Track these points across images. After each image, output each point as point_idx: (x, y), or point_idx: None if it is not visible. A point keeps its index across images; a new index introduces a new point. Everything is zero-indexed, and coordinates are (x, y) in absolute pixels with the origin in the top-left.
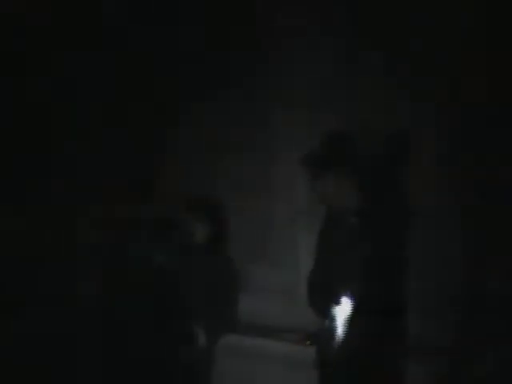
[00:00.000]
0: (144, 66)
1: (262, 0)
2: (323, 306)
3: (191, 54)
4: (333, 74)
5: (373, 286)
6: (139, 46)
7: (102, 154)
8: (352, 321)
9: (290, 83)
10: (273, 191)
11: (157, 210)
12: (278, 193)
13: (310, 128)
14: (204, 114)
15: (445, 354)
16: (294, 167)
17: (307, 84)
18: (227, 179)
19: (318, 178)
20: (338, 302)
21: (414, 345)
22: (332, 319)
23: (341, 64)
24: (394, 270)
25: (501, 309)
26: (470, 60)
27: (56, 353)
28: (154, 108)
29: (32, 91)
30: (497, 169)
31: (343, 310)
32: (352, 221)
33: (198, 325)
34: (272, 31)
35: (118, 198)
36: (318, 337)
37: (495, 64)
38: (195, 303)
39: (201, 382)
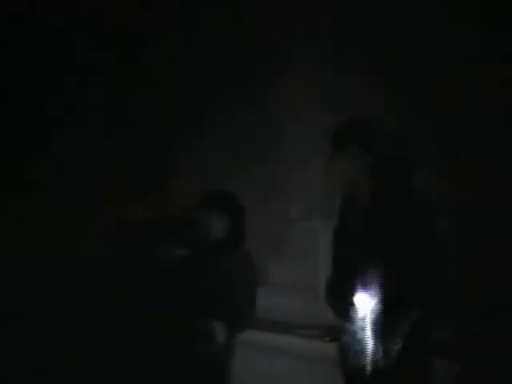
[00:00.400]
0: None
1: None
2: (343, 302)
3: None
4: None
5: (393, 278)
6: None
7: (118, 155)
8: (373, 316)
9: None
10: (289, 188)
11: (173, 209)
12: (295, 189)
13: (322, 126)
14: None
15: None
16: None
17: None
18: (243, 177)
19: (340, 155)
20: (358, 298)
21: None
22: (352, 315)
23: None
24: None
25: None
26: None
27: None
28: (168, 108)
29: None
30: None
31: (364, 305)
32: (366, 208)
33: (217, 320)
34: None
35: (132, 198)
36: (340, 333)
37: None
38: (214, 299)
39: (219, 378)
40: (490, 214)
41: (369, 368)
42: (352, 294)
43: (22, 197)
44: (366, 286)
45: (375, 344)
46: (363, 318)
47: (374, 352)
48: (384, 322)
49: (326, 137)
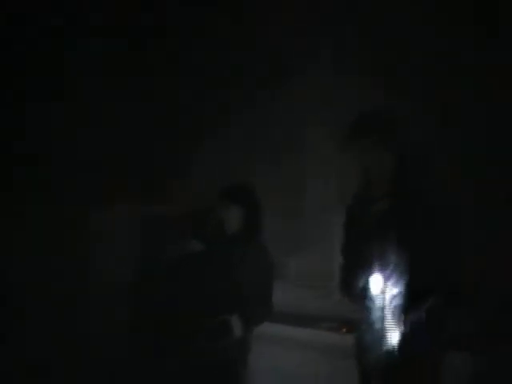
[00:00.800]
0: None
1: None
2: (357, 293)
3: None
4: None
5: (408, 268)
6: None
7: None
8: (388, 307)
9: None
10: (305, 182)
11: (189, 204)
12: (311, 183)
13: (341, 117)
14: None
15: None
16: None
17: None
18: (259, 172)
19: (363, 143)
20: (372, 289)
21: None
22: (367, 306)
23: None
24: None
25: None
26: None
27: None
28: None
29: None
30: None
31: (378, 296)
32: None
33: (233, 314)
34: None
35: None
36: (356, 325)
37: None
38: (230, 293)
39: (236, 371)
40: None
41: (384, 359)
42: (366, 286)
43: (34, 197)
44: (380, 278)
45: (390, 335)
46: (378, 310)
47: (389, 343)
48: (399, 313)
49: (350, 125)
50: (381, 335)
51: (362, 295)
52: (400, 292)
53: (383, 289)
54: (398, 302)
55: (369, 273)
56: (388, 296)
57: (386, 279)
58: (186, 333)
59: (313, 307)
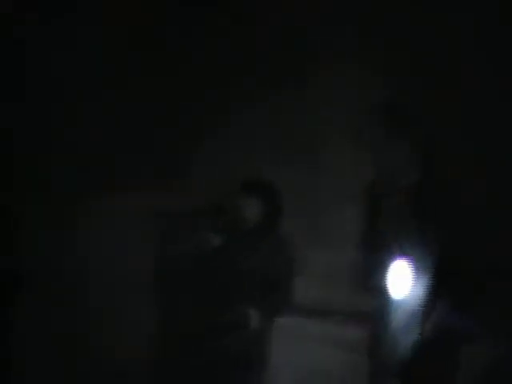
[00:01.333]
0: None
1: None
2: (376, 287)
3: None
4: None
5: (427, 264)
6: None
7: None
8: (407, 303)
9: None
10: (325, 175)
11: (209, 197)
12: (332, 176)
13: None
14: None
15: None
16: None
17: None
18: (279, 165)
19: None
20: (390, 284)
21: None
22: (385, 301)
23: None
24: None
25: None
26: None
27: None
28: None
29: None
30: None
31: (397, 291)
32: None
33: (252, 306)
34: None
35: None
36: (374, 319)
37: None
38: (249, 285)
39: (254, 364)
40: None
41: (401, 354)
42: (386, 279)
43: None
44: (400, 271)
45: (408, 330)
46: (397, 303)
47: (407, 338)
48: (417, 309)
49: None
50: (399, 329)
51: (382, 289)
52: (420, 286)
53: (404, 283)
54: (418, 296)
55: (389, 266)
56: (408, 290)
57: (407, 273)
58: (205, 326)
59: (331, 301)
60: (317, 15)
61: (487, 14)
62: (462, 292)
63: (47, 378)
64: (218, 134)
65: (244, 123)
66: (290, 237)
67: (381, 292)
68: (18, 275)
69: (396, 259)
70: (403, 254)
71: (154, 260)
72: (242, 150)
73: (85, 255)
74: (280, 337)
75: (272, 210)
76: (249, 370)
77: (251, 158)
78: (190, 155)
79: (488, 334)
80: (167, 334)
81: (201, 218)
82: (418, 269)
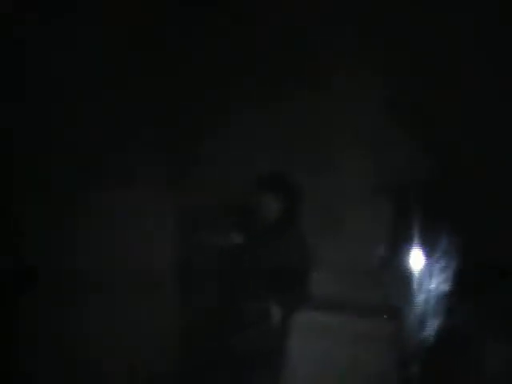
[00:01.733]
0: None
1: None
2: (401, 277)
3: None
4: None
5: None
6: None
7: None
8: (430, 294)
9: None
10: (344, 168)
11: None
12: (347, 168)
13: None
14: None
15: None
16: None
17: None
18: (295, 158)
19: None
20: (414, 275)
21: None
22: (408, 293)
23: None
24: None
25: None
26: None
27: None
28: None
29: None
30: None
31: (420, 282)
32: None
33: (272, 301)
34: None
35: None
36: (396, 311)
37: None
38: (268, 280)
39: (274, 357)
40: None
41: (425, 345)
42: (409, 272)
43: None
44: (426, 262)
45: (431, 322)
46: (423, 294)
47: (430, 330)
48: (440, 301)
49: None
50: (424, 320)
51: (406, 279)
52: (446, 277)
53: (429, 273)
54: (443, 287)
55: (414, 257)
56: (434, 280)
57: (432, 263)
58: (225, 320)
59: (352, 293)
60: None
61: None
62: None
63: (52, 377)
64: (232, 133)
65: (255, 123)
66: (308, 232)
67: (401, 283)
68: (23, 274)
69: (423, 250)
70: (431, 245)
71: (177, 259)
72: (258, 149)
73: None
74: (299, 331)
75: (290, 205)
76: (268, 364)
77: (266, 156)
78: (205, 154)
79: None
80: (189, 330)
81: (222, 216)
82: (445, 260)
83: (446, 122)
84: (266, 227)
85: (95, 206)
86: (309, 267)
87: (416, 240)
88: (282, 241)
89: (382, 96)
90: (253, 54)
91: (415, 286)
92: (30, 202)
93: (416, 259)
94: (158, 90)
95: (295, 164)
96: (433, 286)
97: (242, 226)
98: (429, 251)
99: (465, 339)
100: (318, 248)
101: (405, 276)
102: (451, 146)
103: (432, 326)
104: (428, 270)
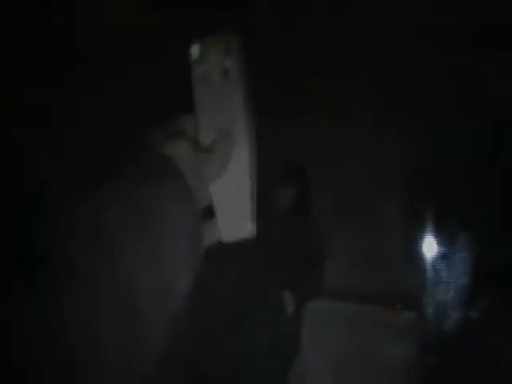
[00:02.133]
0: None
1: None
2: (420, 268)
3: None
4: None
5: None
6: None
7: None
8: (449, 286)
9: None
10: (360, 160)
11: None
12: (366, 162)
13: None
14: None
15: None
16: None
17: None
18: (310, 148)
19: None
20: (434, 267)
21: None
22: (427, 283)
23: None
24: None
25: None
26: None
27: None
28: None
29: None
30: None
31: (440, 274)
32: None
33: (286, 290)
34: None
35: None
36: (413, 301)
37: None
38: (283, 268)
39: (289, 347)
40: None
41: (443, 336)
42: (428, 263)
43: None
44: (446, 254)
45: (449, 313)
46: (438, 287)
47: (449, 321)
48: (460, 294)
49: None
50: (442, 312)
51: (425, 270)
52: (466, 270)
53: (448, 265)
54: (463, 280)
55: (434, 248)
56: (453, 272)
57: (452, 256)
58: (241, 309)
59: (367, 283)
60: None
61: None
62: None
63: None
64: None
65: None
66: (323, 220)
67: (422, 272)
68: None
69: (443, 242)
70: (451, 237)
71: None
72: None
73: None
74: (314, 320)
75: (304, 194)
76: (284, 353)
77: (282, 147)
78: None
79: None
80: (204, 318)
81: None
82: (465, 253)
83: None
84: (282, 217)
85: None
86: (324, 255)
87: (435, 230)
88: (297, 230)
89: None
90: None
91: (433, 276)
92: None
93: (435, 249)
94: None
95: (308, 153)
96: (451, 276)
97: (258, 216)
98: (448, 242)
99: (483, 331)
100: (333, 237)
101: (423, 266)
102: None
103: (450, 317)
104: (447, 261)
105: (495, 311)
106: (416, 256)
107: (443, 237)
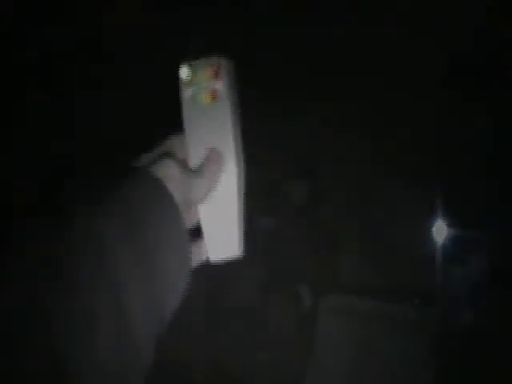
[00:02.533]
0: None
1: None
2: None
3: None
4: None
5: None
6: None
7: None
8: (463, 280)
9: None
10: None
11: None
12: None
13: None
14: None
15: None
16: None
17: None
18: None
19: None
20: (451, 260)
21: None
22: (440, 278)
23: None
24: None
25: None
26: None
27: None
28: None
29: None
30: None
31: (454, 269)
32: None
33: (302, 284)
34: None
35: None
36: (428, 296)
37: None
38: (298, 263)
39: (305, 341)
40: None
41: (456, 332)
42: (441, 259)
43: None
44: (462, 250)
45: (463, 308)
46: (457, 281)
47: (463, 316)
48: (474, 288)
49: None
50: (453, 309)
51: (439, 266)
52: (481, 267)
53: (464, 261)
54: (478, 277)
55: (449, 244)
56: (468, 269)
57: (468, 252)
58: (256, 303)
59: (382, 278)
60: None
61: None
62: None
63: None
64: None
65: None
66: (335, 216)
67: (435, 266)
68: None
69: (458, 239)
70: (466, 233)
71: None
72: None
73: None
74: (329, 316)
75: (316, 190)
76: (299, 348)
77: (294, 145)
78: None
79: None
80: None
81: (251, 203)
82: (481, 250)
83: None
84: (295, 213)
85: None
86: (338, 250)
87: (451, 225)
88: (309, 225)
89: None
90: None
91: (449, 271)
92: None
93: (450, 244)
94: None
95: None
96: (467, 272)
97: (268, 211)
98: (464, 237)
99: (497, 326)
100: (347, 233)
101: (438, 261)
102: None
103: (465, 313)
104: (463, 256)
105: (506, 311)
106: (431, 252)
107: (458, 234)
